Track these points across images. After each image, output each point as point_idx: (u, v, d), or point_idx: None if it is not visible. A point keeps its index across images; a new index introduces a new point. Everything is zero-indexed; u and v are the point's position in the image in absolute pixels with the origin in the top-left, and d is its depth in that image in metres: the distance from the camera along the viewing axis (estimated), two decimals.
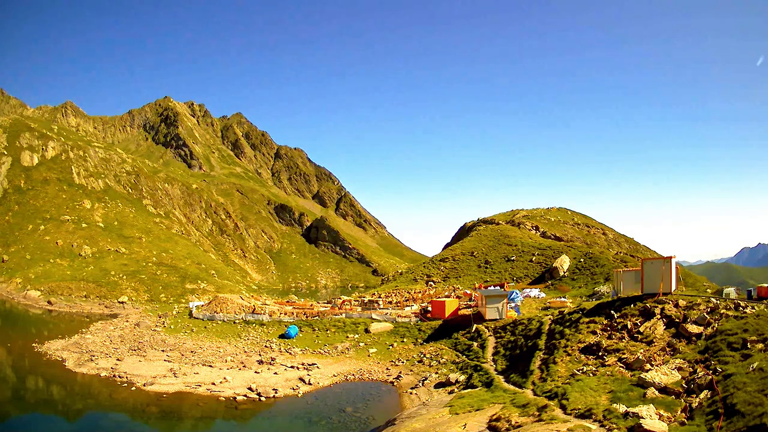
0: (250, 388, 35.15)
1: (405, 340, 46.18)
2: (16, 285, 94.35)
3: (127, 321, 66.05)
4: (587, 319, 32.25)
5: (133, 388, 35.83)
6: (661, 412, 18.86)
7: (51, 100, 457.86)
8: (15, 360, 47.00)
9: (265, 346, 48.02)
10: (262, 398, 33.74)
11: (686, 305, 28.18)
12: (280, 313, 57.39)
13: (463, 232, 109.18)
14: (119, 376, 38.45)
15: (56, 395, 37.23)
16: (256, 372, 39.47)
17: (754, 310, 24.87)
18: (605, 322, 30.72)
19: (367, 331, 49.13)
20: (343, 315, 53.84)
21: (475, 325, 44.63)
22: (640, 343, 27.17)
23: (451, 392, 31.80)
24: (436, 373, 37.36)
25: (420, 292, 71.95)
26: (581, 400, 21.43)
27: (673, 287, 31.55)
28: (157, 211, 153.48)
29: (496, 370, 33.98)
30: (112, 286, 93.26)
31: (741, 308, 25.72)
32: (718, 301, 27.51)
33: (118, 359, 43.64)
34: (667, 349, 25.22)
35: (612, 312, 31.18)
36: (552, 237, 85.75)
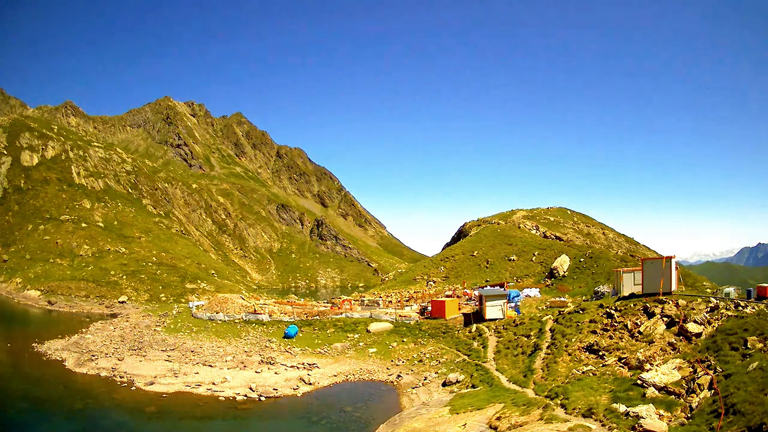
0: (250, 388, 35.15)
1: (405, 339, 46.17)
2: (16, 285, 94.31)
3: (127, 321, 65.98)
4: (587, 319, 32.28)
5: (133, 388, 35.82)
6: (661, 411, 18.88)
7: (51, 100, 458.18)
8: (15, 360, 46.94)
9: (265, 346, 48.00)
10: (262, 398, 33.74)
11: (686, 305, 28.19)
12: (280, 313, 57.40)
13: (463, 232, 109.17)
14: (119, 376, 38.43)
15: (56, 395, 37.14)
16: (256, 372, 39.46)
17: (754, 310, 24.87)
18: (606, 321, 30.74)
19: (367, 330, 49.11)
20: (343, 315, 53.83)
21: (475, 325, 44.66)
22: (640, 342, 27.19)
23: (451, 392, 31.81)
24: (437, 372, 37.36)
25: (420, 291, 71.97)
26: (582, 399, 21.45)
27: (674, 287, 31.57)
28: (157, 211, 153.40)
29: (496, 369, 33.99)
30: (112, 285, 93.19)
31: (741, 308, 25.72)
32: (719, 301, 27.51)
33: (118, 359, 43.62)
34: (668, 348, 25.24)
35: (612, 312, 31.20)
36: (552, 237, 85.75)
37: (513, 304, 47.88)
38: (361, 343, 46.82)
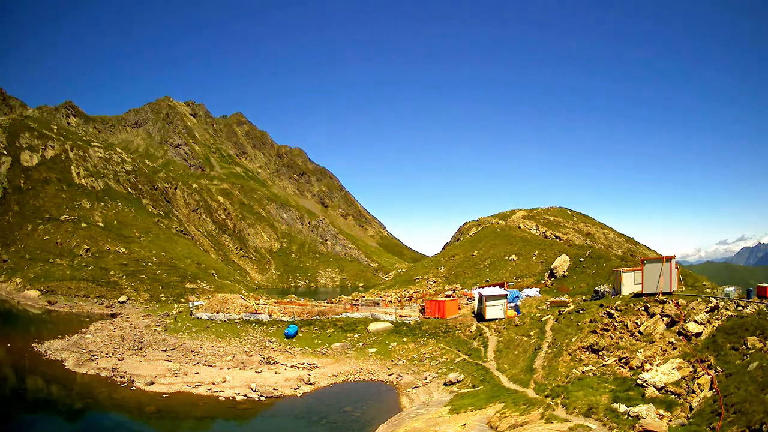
0: (250, 388, 35.15)
1: (405, 339, 46.18)
2: (16, 285, 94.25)
3: (127, 321, 66.00)
4: (588, 319, 32.26)
5: (133, 388, 35.82)
6: (661, 411, 18.88)
7: (51, 100, 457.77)
8: (15, 360, 46.92)
9: (266, 346, 48.02)
10: (263, 398, 33.74)
11: (686, 304, 28.17)
12: (280, 313, 57.39)
13: (463, 231, 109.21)
14: (120, 376, 38.41)
15: (56, 395, 37.18)
16: (256, 372, 39.47)
17: (754, 309, 24.84)
18: (606, 321, 30.70)
19: (367, 330, 49.12)
20: (343, 314, 53.82)
21: (475, 325, 44.65)
22: (640, 342, 27.16)
23: (451, 392, 31.82)
24: (437, 372, 37.36)
25: (420, 291, 71.97)
26: (582, 399, 21.45)
27: (674, 287, 31.54)
28: (157, 211, 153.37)
29: (497, 369, 33.99)
30: (112, 285, 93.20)
31: (741, 307, 25.69)
32: (719, 301, 27.47)
33: (118, 359, 43.62)
34: (668, 348, 25.21)
35: (612, 311, 31.17)
36: (552, 237, 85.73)
37: (513, 304, 47.85)
38: (361, 343, 46.82)
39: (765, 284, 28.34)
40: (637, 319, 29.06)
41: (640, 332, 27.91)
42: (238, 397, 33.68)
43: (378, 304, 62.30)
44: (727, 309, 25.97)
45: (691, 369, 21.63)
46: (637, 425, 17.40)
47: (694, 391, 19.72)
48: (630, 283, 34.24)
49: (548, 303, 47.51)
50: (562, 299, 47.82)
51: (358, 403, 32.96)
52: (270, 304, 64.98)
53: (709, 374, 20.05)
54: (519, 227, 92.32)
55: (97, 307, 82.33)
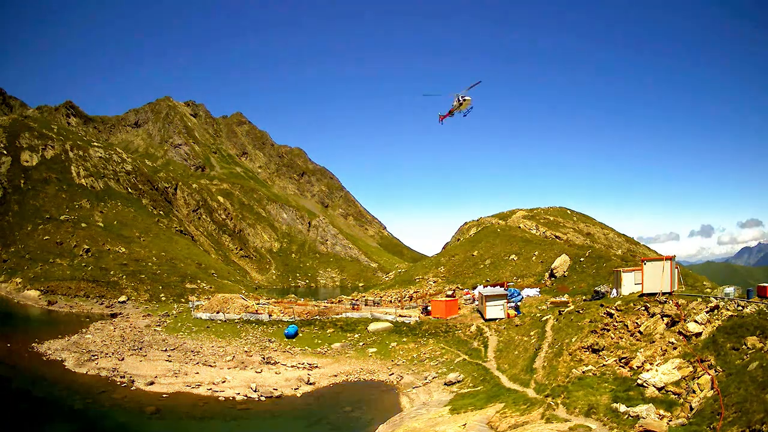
0: (250, 388, 35.16)
1: (405, 339, 46.17)
2: (16, 285, 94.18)
3: (127, 321, 65.96)
4: (588, 319, 32.27)
5: (133, 388, 35.82)
6: (662, 411, 18.89)
7: (51, 100, 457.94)
8: (15, 360, 46.88)
9: (266, 346, 48.02)
10: (263, 398, 33.74)
11: (686, 304, 28.17)
12: (280, 313, 57.39)
13: (463, 231, 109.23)
14: (120, 376, 38.41)
15: (56, 395, 37.12)
16: (256, 372, 39.47)
17: (754, 309, 24.83)
18: (606, 321, 30.71)
19: (367, 330, 49.11)
20: (344, 315, 53.82)
21: (475, 324, 44.66)
22: (640, 342, 27.17)
23: (451, 392, 31.82)
24: (437, 372, 37.36)
25: (420, 291, 71.99)
26: (582, 399, 21.45)
27: (674, 287, 31.55)
28: (157, 211, 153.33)
29: (497, 369, 33.99)
30: (112, 285, 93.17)
31: (741, 307, 25.68)
32: (718, 301, 27.47)
33: (118, 359, 43.61)
34: (668, 348, 25.21)
35: (612, 311, 31.17)
36: (552, 237, 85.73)
37: (513, 304, 47.85)
38: (361, 343, 46.81)
39: (765, 284, 28.31)
40: (637, 319, 29.07)
41: (640, 332, 27.91)
42: (238, 397, 33.68)
43: (378, 303, 62.29)
44: (727, 309, 25.97)
45: (691, 369, 21.63)
46: (637, 425, 17.41)
47: (694, 391, 19.72)
48: (630, 283, 34.28)
49: (548, 303, 47.49)
50: (563, 299, 47.80)
51: (358, 403, 32.96)
52: (270, 304, 64.96)
53: (709, 374, 20.05)
54: (519, 227, 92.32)
55: (97, 307, 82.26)
